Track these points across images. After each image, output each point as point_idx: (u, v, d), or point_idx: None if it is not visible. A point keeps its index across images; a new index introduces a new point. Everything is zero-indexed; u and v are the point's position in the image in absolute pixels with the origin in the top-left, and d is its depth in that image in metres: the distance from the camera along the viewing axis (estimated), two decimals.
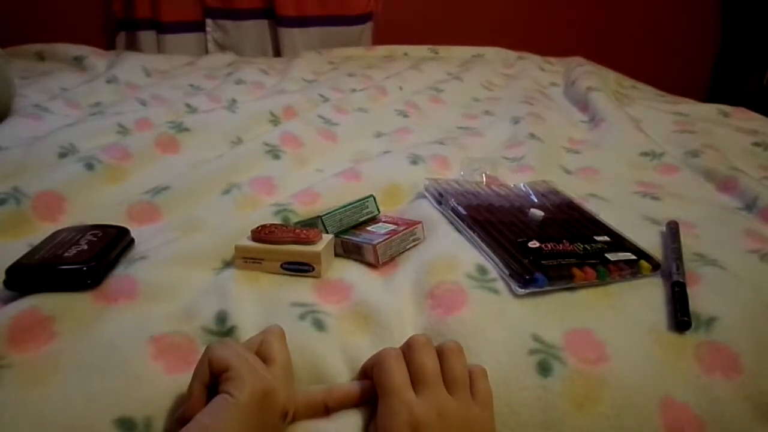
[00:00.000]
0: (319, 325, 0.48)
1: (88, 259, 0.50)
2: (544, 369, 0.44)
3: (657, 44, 2.03)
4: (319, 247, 0.55)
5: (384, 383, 0.40)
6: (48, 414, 0.39)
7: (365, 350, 0.47)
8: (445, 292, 0.51)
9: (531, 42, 1.73)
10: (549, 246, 0.57)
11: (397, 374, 0.40)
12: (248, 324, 0.48)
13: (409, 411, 0.38)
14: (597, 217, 0.66)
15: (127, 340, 0.45)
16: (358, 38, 1.79)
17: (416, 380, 0.40)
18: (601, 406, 0.43)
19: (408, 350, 0.42)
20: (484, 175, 0.75)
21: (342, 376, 0.45)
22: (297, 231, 0.56)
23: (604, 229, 0.63)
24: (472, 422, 0.40)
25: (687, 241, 0.60)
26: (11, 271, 0.48)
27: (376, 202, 0.64)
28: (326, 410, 0.42)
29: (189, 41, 1.71)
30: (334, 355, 0.46)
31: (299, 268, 0.54)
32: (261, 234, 0.56)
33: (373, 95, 1.13)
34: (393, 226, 0.60)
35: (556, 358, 0.45)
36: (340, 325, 0.49)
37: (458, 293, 0.51)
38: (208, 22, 1.72)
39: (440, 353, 0.43)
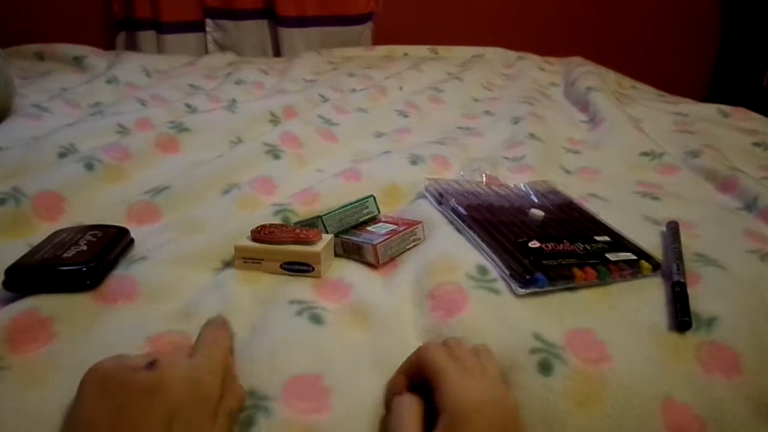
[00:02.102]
0: (317, 320, 0.48)
1: (88, 259, 0.50)
2: (545, 368, 0.44)
3: (657, 44, 2.03)
4: (318, 247, 0.55)
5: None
6: (46, 414, 0.39)
7: (363, 345, 0.47)
8: (445, 293, 0.51)
9: (531, 42, 1.73)
10: (549, 246, 0.57)
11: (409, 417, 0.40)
12: (247, 324, 0.48)
13: None
14: (597, 217, 0.66)
15: (126, 341, 0.45)
16: (358, 38, 1.79)
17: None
18: (602, 405, 0.43)
19: (423, 361, 0.42)
20: (484, 175, 0.75)
21: (339, 368, 0.44)
22: (297, 231, 0.56)
23: (605, 229, 0.63)
24: (499, 403, 0.40)
25: (687, 241, 0.60)
26: (10, 271, 0.48)
27: (376, 202, 0.64)
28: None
29: (189, 41, 1.71)
30: (331, 346, 0.46)
31: (299, 268, 0.54)
32: (261, 234, 0.56)
33: (373, 95, 1.13)
34: (393, 226, 0.60)
35: (557, 357, 0.45)
36: (338, 320, 0.49)
37: (458, 294, 0.51)
38: (208, 22, 1.72)
39: (447, 347, 0.44)
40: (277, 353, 0.44)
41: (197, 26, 1.71)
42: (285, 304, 0.50)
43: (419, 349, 0.44)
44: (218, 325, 0.43)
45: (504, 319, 0.49)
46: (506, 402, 0.41)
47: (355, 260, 0.59)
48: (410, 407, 0.40)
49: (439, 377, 0.40)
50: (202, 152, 0.82)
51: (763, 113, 1.12)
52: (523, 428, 0.42)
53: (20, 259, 0.50)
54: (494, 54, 1.67)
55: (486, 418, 0.38)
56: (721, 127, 1.01)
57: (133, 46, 1.69)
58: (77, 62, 1.36)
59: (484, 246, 0.57)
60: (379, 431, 0.41)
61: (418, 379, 0.42)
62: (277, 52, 1.76)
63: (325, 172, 0.78)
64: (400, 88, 1.22)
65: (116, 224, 0.59)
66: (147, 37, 1.68)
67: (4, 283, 0.48)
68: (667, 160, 0.86)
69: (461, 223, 0.62)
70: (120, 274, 0.52)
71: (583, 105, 1.15)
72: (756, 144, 0.94)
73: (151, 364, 0.35)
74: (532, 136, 0.93)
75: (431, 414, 0.39)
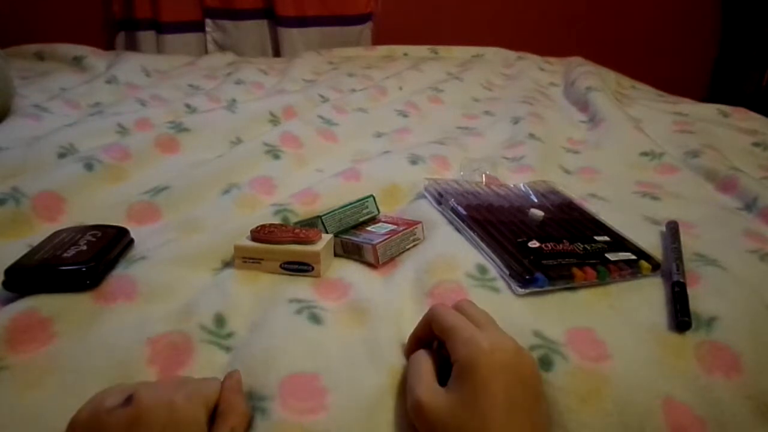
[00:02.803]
0: (316, 319, 0.48)
1: (88, 259, 0.50)
2: (545, 364, 0.44)
3: (657, 44, 2.03)
4: (318, 246, 0.55)
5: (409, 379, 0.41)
6: (45, 415, 0.39)
7: (362, 344, 0.47)
8: (445, 291, 0.51)
9: (531, 42, 1.73)
10: (549, 246, 0.57)
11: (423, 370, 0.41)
12: (246, 323, 0.48)
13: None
14: (597, 217, 0.66)
15: (125, 342, 0.45)
16: (357, 38, 1.79)
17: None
18: (604, 402, 0.43)
19: (433, 320, 0.43)
20: (484, 175, 0.75)
21: (337, 367, 0.44)
22: (296, 231, 0.56)
23: (604, 229, 0.63)
24: (513, 351, 0.41)
25: (687, 241, 0.60)
26: (10, 271, 0.48)
27: (375, 202, 0.64)
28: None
29: (189, 41, 1.71)
30: (329, 346, 0.46)
31: (299, 267, 0.54)
32: (260, 234, 0.56)
33: (372, 95, 1.13)
34: (393, 226, 0.60)
35: (558, 353, 0.45)
36: (337, 319, 0.49)
37: (458, 292, 0.51)
38: (208, 22, 1.72)
39: (457, 309, 0.45)
40: (275, 352, 0.44)
41: (197, 26, 1.71)
42: (284, 303, 0.50)
43: (428, 310, 0.45)
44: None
45: (504, 317, 0.48)
46: (520, 351, 0.41)
47: (355, 260, 0.59)
48: (423, 360, 0.42)
49: (449, 331, 0.41)
50: (202, 152, 0.82)
51: (763, 113, 1.12)
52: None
53: (20, 259, 0.50)
54: (494, 54, 1.67)
55: (498, 363, 0.38)
56: (721, 127, 1.01)
57: (132, 46, 1.69)
58: (77, 62, 1.36)
59: (483, 246, 0.57)
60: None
61: (431, 339, 0.44)
62: (277, 52, 1.76)
63: (324, 172, 0.78)
64: (400, 88, 1.22)
65: (116, 224, 0.59)
66: (147, 37, 1.68)
67: (4, 283, 0.48)
68: (667, 160, 0.86)
69: (461, 223, 0.62)
70: (120, 273, 0.52)
71: (583, 105, 1.15)
72: (756, 144, 0.94)
73: (128, 400, 0.35)
74: (531, 136, 0.93)
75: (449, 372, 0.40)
